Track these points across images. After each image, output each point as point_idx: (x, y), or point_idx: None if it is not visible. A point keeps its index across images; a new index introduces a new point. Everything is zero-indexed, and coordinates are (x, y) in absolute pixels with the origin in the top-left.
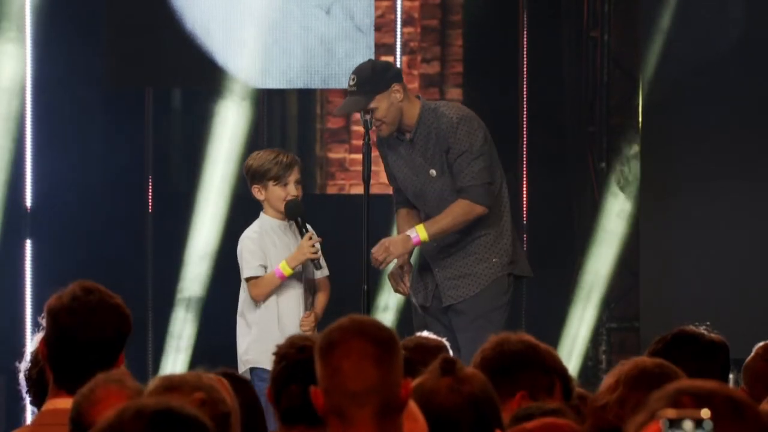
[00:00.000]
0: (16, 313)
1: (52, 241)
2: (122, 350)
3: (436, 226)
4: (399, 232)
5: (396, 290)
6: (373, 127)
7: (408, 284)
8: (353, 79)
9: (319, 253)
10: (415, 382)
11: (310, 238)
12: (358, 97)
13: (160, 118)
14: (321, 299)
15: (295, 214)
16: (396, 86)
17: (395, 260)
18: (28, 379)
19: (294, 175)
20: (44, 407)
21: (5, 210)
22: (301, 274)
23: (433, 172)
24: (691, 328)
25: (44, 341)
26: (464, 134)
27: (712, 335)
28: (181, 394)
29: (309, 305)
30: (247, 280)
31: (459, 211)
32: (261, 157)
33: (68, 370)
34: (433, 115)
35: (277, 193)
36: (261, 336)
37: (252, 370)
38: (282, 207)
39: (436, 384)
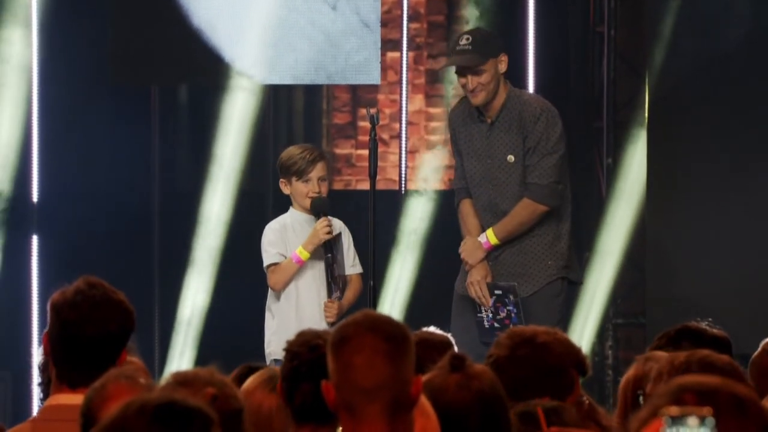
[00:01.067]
0: (22, 309)
1: (59, 236)
2: (125, 347)
3: (505, 231)
4: (464, 226)
5: (477, 299)
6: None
7: (488, 295)
8: (467, 39)
9: (333, 234)
10: (424, 378)
11: (325, 221)
12: (473, 55)
13: (167, 114)
14: (349, 294)
15: (320, 210)
16: (503, 57)
17: (478, 268)
18: (42, 380)
19: (317, 172)
20: (47, 402)
21: (12, 205)
22: (322, 267)
23: (511, 157)
24: (694, 323)
25: (47, 336)
26: (543, 127)
27: (715, 331)
28: (193, 389)
29: (336, 300)
30: (267, 268)
31: (524, 212)
32: (288, 152)
33: (71, 366)
34: (518, 102)
35: (300, 189)
36: (280, 328)
37: (275, 361)
38: (305, 202)
39: (445, 380)
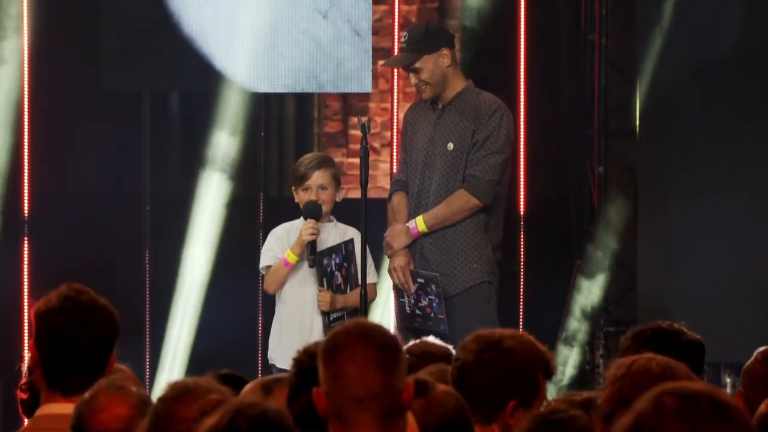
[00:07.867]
0: (13, 317)
1: (50, 244)
2: (113, 351)
3: (434, 218)
4: (392, 215)
5: (400, 285)
6: (412, 85)
7: (412, 282)
8: (405, 36)
9: (316, 237)
10: None
11: (310, 224)
12: (406, 54)
13: (158, 121)
14: (352, 295)
15: (310, 215)
16: (445, 50)
17: (400, 255)
18: (24, 387)
19: (317, 179)
20: (38, 412)
21: (3, 215)
22: (323, 279)
23: (450, 145)
24: (667, 324)
25: (34, 345)
26: (496, 123)
27: (689, 333)
28: (195, 397)
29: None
30: (262, 270)
31: (457, 202)
32: (300, 159)
33: (63, 372)
34: (475, 96)
35: (301, 196)
36: (274, 332)
37: (274, 366)
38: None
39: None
